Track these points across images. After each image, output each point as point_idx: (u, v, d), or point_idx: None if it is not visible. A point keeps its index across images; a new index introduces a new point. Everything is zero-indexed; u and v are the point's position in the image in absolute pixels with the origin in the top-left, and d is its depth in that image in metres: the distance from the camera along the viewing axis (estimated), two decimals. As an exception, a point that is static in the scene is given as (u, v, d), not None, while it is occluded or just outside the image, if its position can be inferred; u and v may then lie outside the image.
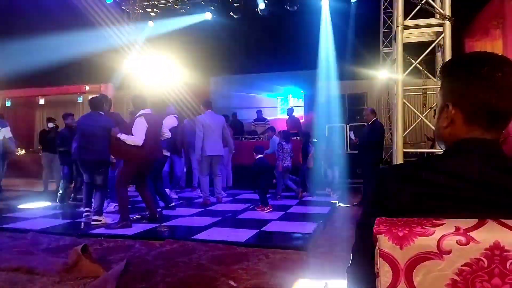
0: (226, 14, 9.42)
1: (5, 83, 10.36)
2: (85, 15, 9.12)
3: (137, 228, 4.31)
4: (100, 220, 4.57)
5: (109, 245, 3.70)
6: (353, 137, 6.64)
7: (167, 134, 5.05)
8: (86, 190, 4.87)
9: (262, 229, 4.30)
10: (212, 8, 9.32)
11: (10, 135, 6.53)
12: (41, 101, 10.70)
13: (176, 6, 9.52)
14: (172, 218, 4.88)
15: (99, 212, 4.65)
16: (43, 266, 2.94)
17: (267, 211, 5.32)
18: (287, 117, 9.65)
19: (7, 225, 4.50)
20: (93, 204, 4.75)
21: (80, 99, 9.82)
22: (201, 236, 3.98)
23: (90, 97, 5.48)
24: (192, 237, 3.89)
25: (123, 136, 4.32)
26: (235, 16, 9.37)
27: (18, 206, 5.86)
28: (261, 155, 5.61)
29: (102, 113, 4.85)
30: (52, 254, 3.43)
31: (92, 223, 4.56)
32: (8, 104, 10.25)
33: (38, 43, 10.20)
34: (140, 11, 10.15)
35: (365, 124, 6.17)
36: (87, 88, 9.34)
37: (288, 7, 8.72)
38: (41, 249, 3.57)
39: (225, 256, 3.28)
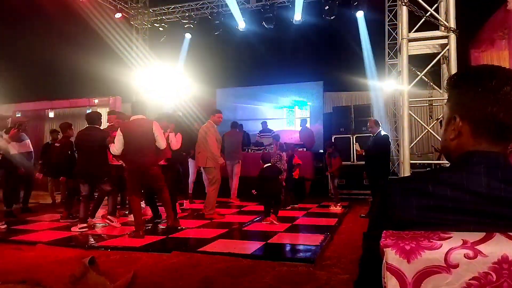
0: (232, 28, 9.57)
1: (15, 96, 10.57)
2: (94, 29, 9.32)
3: (144, 240, 4.30)
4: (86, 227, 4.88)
5: (116, 257, 3.69)
6: (358, 148, 6.61)
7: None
8: (87, 203, 4.99)
9: (268, 241, 4.27)
10: (218, 22, 9.46)
11: None
12: (51, 114, 10.86)
13: (184, 21, 9.69)
14: (179, 230, 4.87)
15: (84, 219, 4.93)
16: (50, 279, 2.95)
17: (265, 222, 5.18)
18: (299, 128, 9.59)
19: (15, 237, 4.53)
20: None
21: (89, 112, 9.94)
22: (208, 248, 3.96)
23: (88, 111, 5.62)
24: (199, 249, 3.88)
25: (111, 146, 4.59)
26: (241, 30, 9.51)
27: (26, 218, 5.90)
28: (269, 164, 5.54)
29: (98, 127, 5.08)
30: (59, 266, 3.44)
31: (79, 230, 4.82)
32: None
33: (48, 56, 10.42)
34: (148, 26, 10.34)
35: (371, 135, 6.16)
36: (96, 101, 9.46)
37: (292, 20, 8.84)
38: (49, 261, 3.58)
39: (231, 269, 3.26)
